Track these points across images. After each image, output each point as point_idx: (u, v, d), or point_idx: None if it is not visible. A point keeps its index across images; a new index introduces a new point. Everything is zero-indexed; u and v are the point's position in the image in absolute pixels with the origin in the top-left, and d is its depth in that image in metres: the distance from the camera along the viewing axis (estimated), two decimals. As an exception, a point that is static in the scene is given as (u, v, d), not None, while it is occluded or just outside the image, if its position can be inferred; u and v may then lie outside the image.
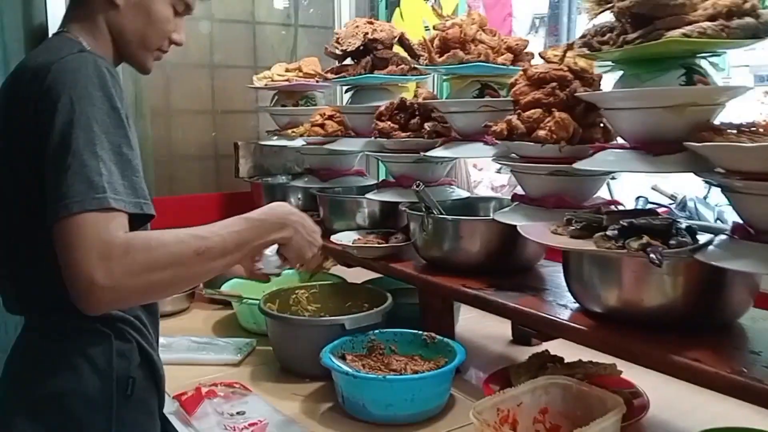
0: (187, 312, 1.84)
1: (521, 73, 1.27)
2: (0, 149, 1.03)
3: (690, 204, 2.95)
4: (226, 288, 1.73)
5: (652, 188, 3.07)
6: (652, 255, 0.92)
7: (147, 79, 2.28)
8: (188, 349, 1.50)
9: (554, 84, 1.20)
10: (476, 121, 1.41)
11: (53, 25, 1.94)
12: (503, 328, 1.64)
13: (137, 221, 0.92)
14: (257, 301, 1.51)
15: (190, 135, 2.43)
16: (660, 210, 2.86)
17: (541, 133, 1.19)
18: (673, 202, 3.08)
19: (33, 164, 0.94)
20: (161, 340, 1.53)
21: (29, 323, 1.09)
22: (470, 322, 1.65)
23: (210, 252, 0.94)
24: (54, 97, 0.91)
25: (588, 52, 1.08)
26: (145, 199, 0.93)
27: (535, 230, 1.12)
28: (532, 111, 1.22)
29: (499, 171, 4.43)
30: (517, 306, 1.17)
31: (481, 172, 4.13)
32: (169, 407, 1.23)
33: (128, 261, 0.85)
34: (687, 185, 3.17)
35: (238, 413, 1.20)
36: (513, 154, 1.31)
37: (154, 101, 2.31)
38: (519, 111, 1.25)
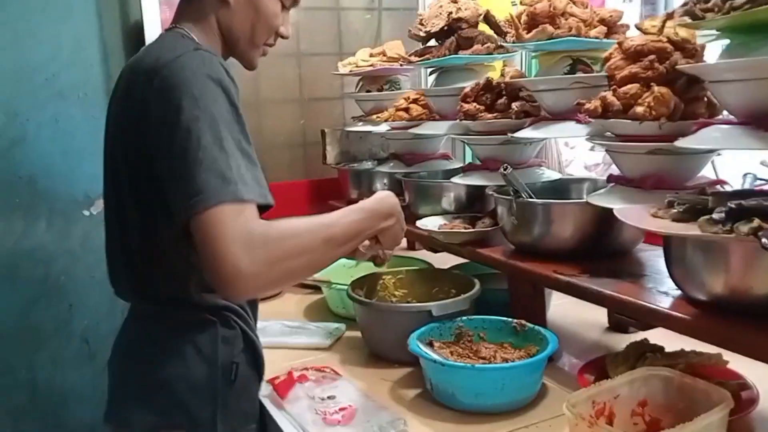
0: (280, 296, 1.89)
1: (616, 46, 1.20)
2: (117, 143, 1.08)
3: (804, 180, 2.71)
4: (315, 274, 1.75)
5: (761, 163, 2.83)
6: (764, 240, 0.84)
7: (236, 71, 2.35)
8: (281, 333, 1.54)
9: (653, 57, 1.12)
10: (567, 99, 1.35)
11: (148, 22, 2.03)
12: (598, 314, 1.57)
13: (259, 211, 0.95)
14: (346, 287, 1.53)
15: (279, 124, 2.48)
16: (764, 186, 2.65)
17: (639, 109, 1.12)
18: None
19: (152, 159, 0.97)
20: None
21: (139, 311, 1.15)
22: (563, 308, 1.60)
23: (335, 240, 1.01)
24: (176, 95, 0.93)
25: (690, 21, 0.99)
26: (266, 189, 0.96)
27: (634, 214, 1.06)
28: (629, 86, 1.14)
29: (592, 149, 4.27)
30: (613, 293, 1.12)
31: (573, 151, 3.98)
32: (263, 391, 1.27)
33: (269, 249, 0.90)
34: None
35: (329, 397, 1.22)
36: (608, 133, 1.24)
37: (244, 92, 2.36)
38: (614, 87, 1.18)
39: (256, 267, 0.88)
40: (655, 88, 1.12)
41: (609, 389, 0.97)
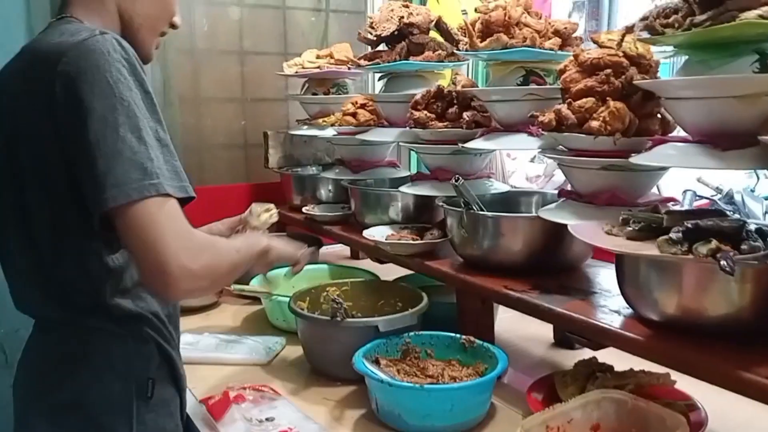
0: (215, 307, 1.79)
1: (572, 58, 1.18)
2: (14, 135, 0.99)
3: (737, 197, 2.81)
4: (255, 283, 1.67)
5: (698, 180, 2.93)
6: (722, 262, 0.83)
7: (175, 65, 2.24)
8: (216, 348, 1.45)
9: (609, 71, 1.11)
10: (520, 110, 1.32)
11: None
12: (544, 330, 1.55)
13: (181, 204, 0.94)
14: (287, 298, 1.45)
15: (220, 123, 2.37)
16: (702, 203, 2.73)
17: (594, 124, 1.10)
18: (717, 194, 2.94)
19: (62, 150, 0.91)
20: (188, 337, 1.50)
21: (45, 325, 1.06)
22: (508, 321, 1.57)
23: (239, 266, 1.04)
24: (88, 80, 0.88)
25: (650, 35, 0.98)
26: (186, 182, 0.94)
27: (588, 231, 1.03)
28: (585, 100, 1.12)
29: (532, 160, 4.33)
30: (565, 311, 1.09)
31: (515, 162, 4.02)
32: (196, 411, 1.18)
33: (212, 255, 0.94)
34: (732, 177, 3.02)
35: (267, 419, 1.14)
36: (561, 147, 1.22)
37: (183, 89, 2.26)
38: (569, 100, 1.15)
39: (196, 266, 0.89)
40: (611, 103, 1.10)
41: (562, 413, 0.94)
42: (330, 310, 1.28)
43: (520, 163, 3.99)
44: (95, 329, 1.01)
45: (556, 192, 1.34)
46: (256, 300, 1.74)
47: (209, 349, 1.44)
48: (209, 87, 2.33)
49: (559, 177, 3.86)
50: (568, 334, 1.21)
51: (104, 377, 1.00)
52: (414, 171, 2.01)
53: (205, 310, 1.76)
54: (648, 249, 0.92)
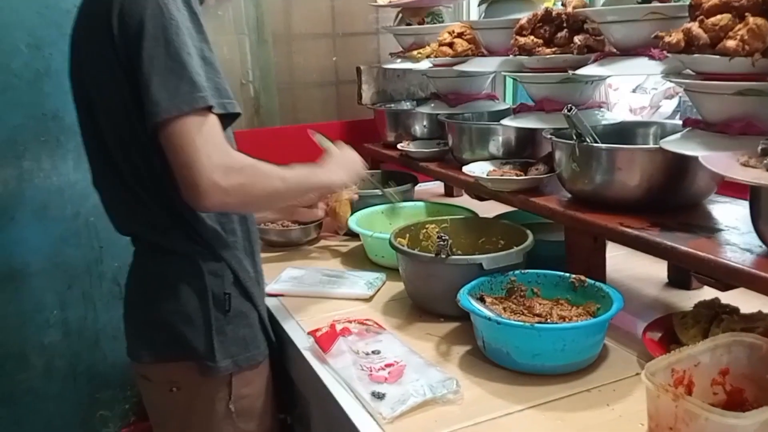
0: (316, 242, 1.82)
1: (705, -30, 1.05)
2: (85, 68, 1.09)
3: None
4: (351, 222, 1.67)
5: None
6: None
7: (268, 2, 2.21)
8: (320, 282, 1.47)
9: (749, -18, 0.98)
10: (639, 31, 1.21)
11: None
12: (656, 268, 1.47)
13: (225, 122, 1.02)
14: (387, 235, 1.44)
15: (311, 60, 2.35)
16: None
17: (730, 43, 0.98)
18: None
19: (121, 72, 1.00)
20: (293, 271, 1.54)
21: (137, 248, 1.21)
22: (615, 261, 1.49)
23: (287, 183, 1.12)
24: (140, 3, 0.96)
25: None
26: (229, 98, 1.02)
27: (721, 162, 0.94)
28: (719, 17, 1.00)
29: (634, 91, 4.06)
30: (690, 250, 1.01)
31: (617, 93, 3.78)
32: (304, 343, 1.21)
33: (244, 175, 1.00)
34: None
35: (373, 352, 1.15)
36: (688, 71, 1.11)
37: (275, 26, 2.25)
38: (701, 17, 1.04)
39: (229, 187, 0.97)
40: (750, 19, 0.98)
41: (689, 356, 0.88)
42: (435, 247, 1.25)
43: (622, 94, 3.76)
44: (173, 250, 1.13)
45: (679, 123, 1.24)
46: (354, 236, 1.75)
47: (313, 284, 1.46)
48: (300, 23, 2.30)
49: (666, 108, 3.61)
50: (694, 274, 1.13)
51: (182, 295, 1.12)
52: (512, 104, 1.92)
53: (305, 244, 1.79)
54: (796, 181, 0.83)
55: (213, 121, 0.98)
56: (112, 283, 2.09)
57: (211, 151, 0.96)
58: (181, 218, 1.11)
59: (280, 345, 1.29)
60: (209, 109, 0.97)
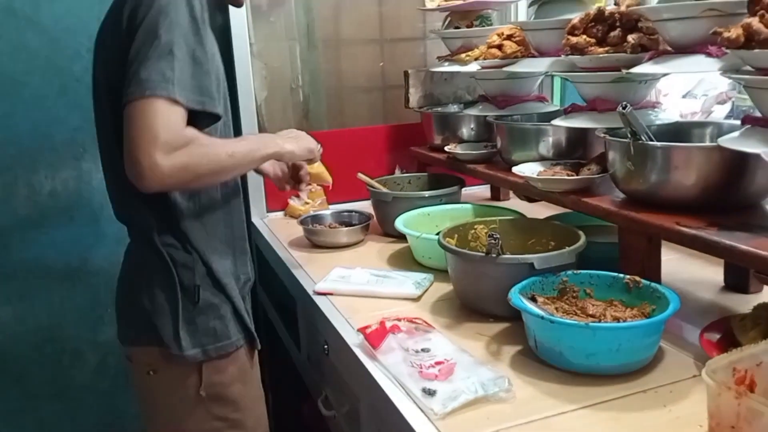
0: (363, 244, 1.83)
1: (766, -37, 1.03)
2: (100, 68, 1.20)
3: None
4: (398, 223, 1.67)
5: None
6: None
7: (318, 8, 2.25)
8: (368, 282, 1.48)
9: (815, -27, 0.96)
10: (696, 29, 1.18)
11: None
12: (713, 271, 1.44)
13: (204, 120, 1.08)
14: (435, 237, 1.44)
15: (359, 65, 2.38)
16: None
17: (795, 37, 0.96)
18: None
19: (122, 63, 1.06)
20: (341, 271, 1.55)
21: (129, 235, 1.30)
22: (671, 264, 1.46)
23: (236, 154, 1.14)
24: (146, 2, 1.05)
25: None
26: (209, 97, 1.07)
27: (785, 158, 0.91)
28: (783, 10, 0.98)
29: (685, 96, 3.97)
30: (751, 249, 0.98)
31: (666, 99, 3.70)
32: (354, 340, 1.22)
33: (186, 156, 1.03)
34: None
35: (423, 350, 1.15)
36: (748, 67, 1.08)
37: (325, 31, 2.28)
38: (761, 12, 1.01)
39: (169, 167, 1.01)
40: (817, 12, 0.95)
41: (751, 356, 0.85)
42: (486, 245, 1.24)
43: (671, 100, 3.68)
44: (151, 240, 1.20)
45: (736, 122, 1.21)
46: (400, 238, 1.75)
47: (361, 282, 1.48)
48: (349, 29, 2.33)
49: (718, 114, 3.51)
50: (756, 274, 1.10)
51: (155, 284, 1.20)
52: (561, 106, 1.90)
53: (353, 246, 1.80)
54: None
55: (176, 111, 1.02)
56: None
57: (160, 132, 0.99)
58: (158, 209, 1.19)
59: (313, 340, 1.35)
60: (175, 101, 1.01)
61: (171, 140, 1.00)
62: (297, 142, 1.34)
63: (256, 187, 2.13)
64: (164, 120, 1.00)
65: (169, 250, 1.21)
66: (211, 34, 1.13)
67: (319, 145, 1.41)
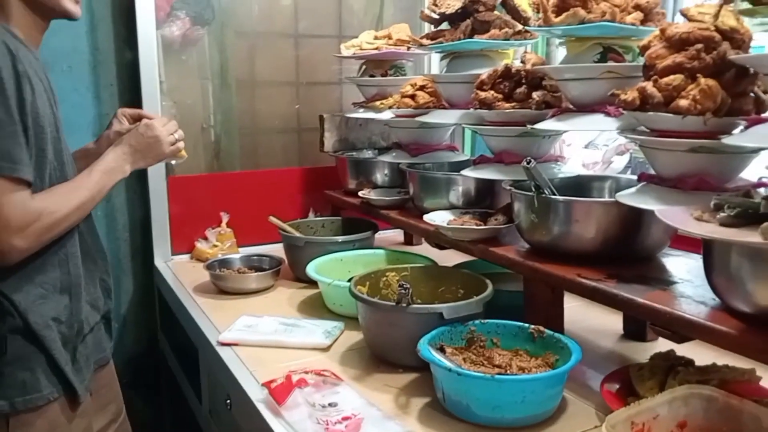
0: (273, 290, 1.78)
1: (657, 33, 1.10)
2: None
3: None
4: (309, 269, 1.65)
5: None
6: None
7: (232, 49, 2.22)
8: (276, 331, 1.43)
9: (699, 45, 1.03)
10: (596, 89, 1.25)
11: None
12: (613, 319, 1.49)
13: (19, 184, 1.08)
14: (346, 284, 1.42)
15: (274, 107, 2.36)
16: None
17: (683, 102, 1.03)
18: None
19: None
20: (247, 319, 1.49)
21: None
22: (573, 312, 1.50)
23: (86, 204, 1.20)
24: None
25: (751, 5, 0.90)
26: (18, 162, 1.07)
27: (676, 216, 0.97)
28: (672, 77, 1.05)
29: (587, 147, 4.19)
30: (647, 302, 1.03)
31: (569, 148, 3.90)
32: (258, 395, 1.17)
33: (38, 223, 1.09)
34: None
35: (330, 404, 1.11)
36: (643, 128, 1.15)
37: (239, 72, 2.25)
38: (654, 77, 1.08)
39: (29, 243, 1.08)
40: (702, 80, 1.03)
41: (648, 409, 0.88)
42: (397, 295, 1.23)
43: (574, 150, 3.87)
44: None
45: (633, 177, 1.27)
46: (312, 284, 1.72)
47: (269, 332, 1.43)
48: (264, 70, 2.32)
49: (618, 164, 3.72)
50: (651, 326, 1.14)
51: None
52: (471, 156, 1.96)
53: (262, 292, 1.75)
54: (747, 236, 0.85)
55: (17, 187, 1.06)
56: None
57: (10, 218, 1.05)
58: None
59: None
60: (11, 178, 1.05)
61: (21, 222, 1.06)
62: (146, 154, 1.34)
63: (161, 227, 2.04)
64: (8, 200, 1.05)
65: None
66: (26, 76, 1.09)
67: (178, 131, 1.41)
